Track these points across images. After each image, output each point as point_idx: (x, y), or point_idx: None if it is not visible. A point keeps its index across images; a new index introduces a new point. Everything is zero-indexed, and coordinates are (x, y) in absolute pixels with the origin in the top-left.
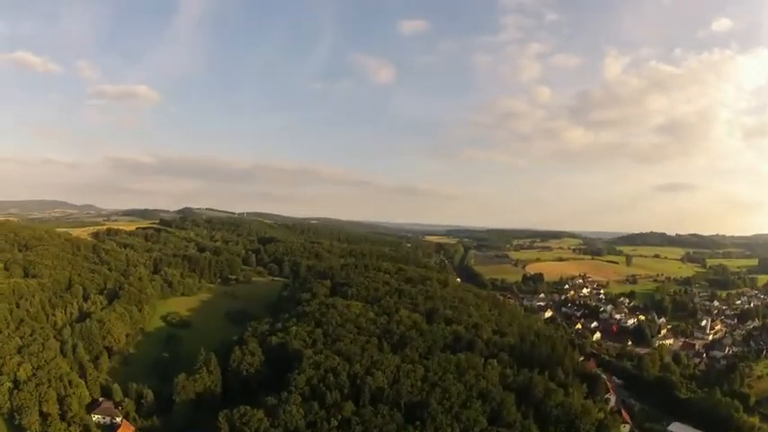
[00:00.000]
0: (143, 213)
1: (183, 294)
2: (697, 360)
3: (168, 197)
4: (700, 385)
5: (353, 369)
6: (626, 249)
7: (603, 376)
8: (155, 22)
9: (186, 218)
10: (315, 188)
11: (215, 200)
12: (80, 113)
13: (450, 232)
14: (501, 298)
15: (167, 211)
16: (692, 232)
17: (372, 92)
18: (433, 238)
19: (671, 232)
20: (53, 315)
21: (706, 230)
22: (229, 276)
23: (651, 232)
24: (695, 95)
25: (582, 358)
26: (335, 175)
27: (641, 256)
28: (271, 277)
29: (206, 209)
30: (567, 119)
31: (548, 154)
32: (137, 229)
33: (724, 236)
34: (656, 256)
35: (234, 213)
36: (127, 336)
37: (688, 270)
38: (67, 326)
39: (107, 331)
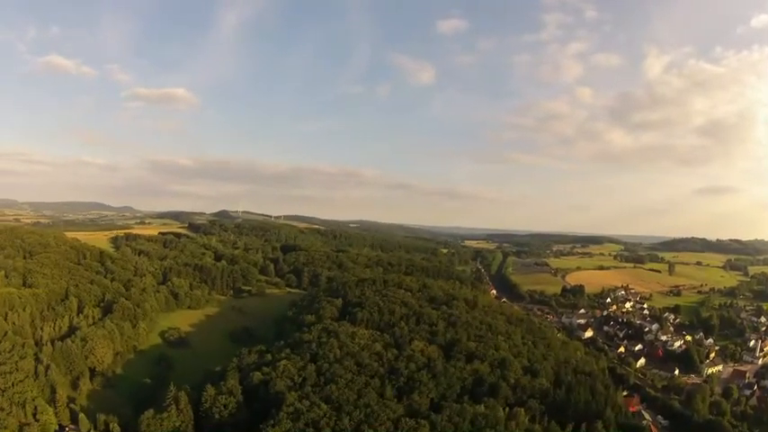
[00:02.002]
0: (177, 216)
1: (189, 307)
2: (748, 392)
3: (206, 200)
4: (751, 426)
5: (341, 423)
6: (667, 256)
7: (648, 418)
8: (194, 28)
9: (215, 222)
10: (355, 191)
11: (254, 203)
12: (118, 116)
13: (491, 237)
14: (537, 319)
15: (203, 214)
16: (733, 237)
17: (412, 94)
18: (473, 242)
19: (711, 237)
20: (41, 329)
21: (746, 235)
22: (242, 288)
23: (692, 237)
24: (735, 95)
25: (625, 393)
26: (376, 178)
27: (683, 263)
28: (288, 289)
29: (242, 212)
30: (608, 120)
31: (589, 157)
32: (158, 234)
33: (764, 241)
34: (698, 263)
35: (271, 216)
36: (116, 354)
37: (731, 279)
38: (48, 343)
39: (90, 350)
